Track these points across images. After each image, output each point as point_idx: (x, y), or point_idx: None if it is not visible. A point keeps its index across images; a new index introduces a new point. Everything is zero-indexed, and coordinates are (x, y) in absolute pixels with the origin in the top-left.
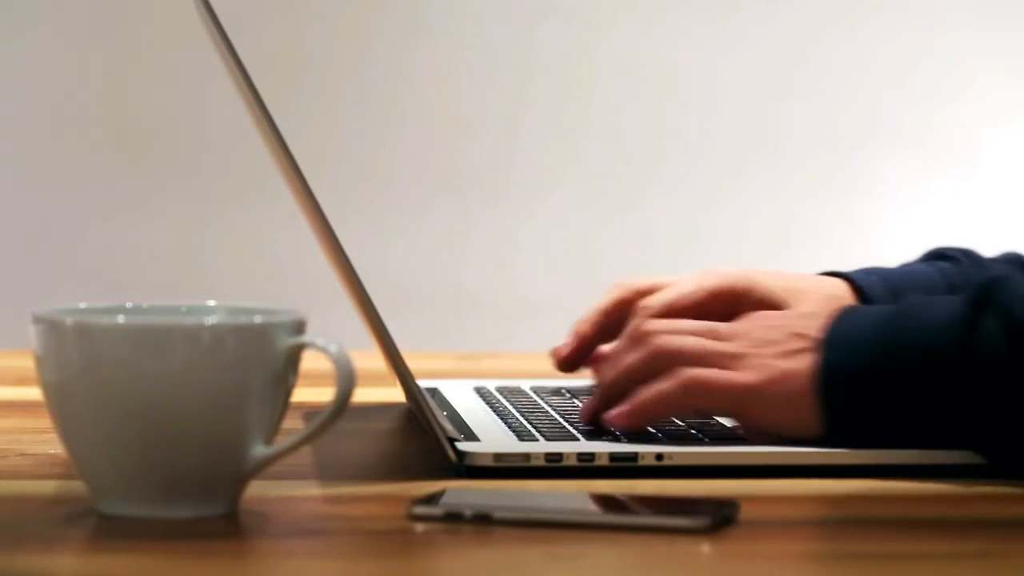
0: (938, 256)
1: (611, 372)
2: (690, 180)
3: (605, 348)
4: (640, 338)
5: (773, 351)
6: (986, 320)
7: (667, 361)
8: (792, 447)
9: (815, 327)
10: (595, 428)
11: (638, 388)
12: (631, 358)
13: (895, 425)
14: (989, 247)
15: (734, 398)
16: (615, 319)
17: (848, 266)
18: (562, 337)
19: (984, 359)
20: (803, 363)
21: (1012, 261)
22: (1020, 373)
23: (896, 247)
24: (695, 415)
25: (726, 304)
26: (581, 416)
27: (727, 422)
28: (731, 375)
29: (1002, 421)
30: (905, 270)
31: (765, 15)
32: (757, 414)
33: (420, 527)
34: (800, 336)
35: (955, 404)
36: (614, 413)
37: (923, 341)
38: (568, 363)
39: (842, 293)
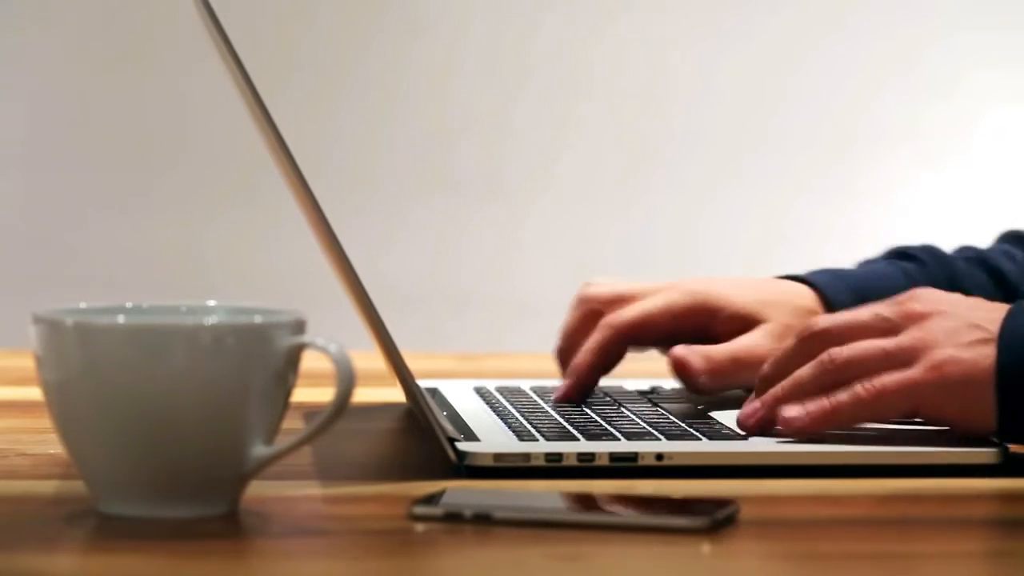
0: (900, 255)
1: (784, 386)
2: (686, 178)
3: None
4: (811, 343)
5: (952, 341)
6: None
7: (842, 374)
8: (792, 447)
9: (992, 319)
10: (757, 433)
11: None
12: (803, 373)
13: None
14: (983, 244)
15: (913, 398)
16: (585, 338)
17: (843, 264)
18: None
19: None
20: (982, 355)
21: (971, 260)
22: None
23: (891, 245)
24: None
25: (695, 323)
26: (744, 420)
27: (730, 423)
28: (907, 376)
29: None
30: (869, 272)
31: (758, 15)
32: (937, 407)
33: (420, 527)
34: (977, 327)
35: None
36: (791, 415)
37: None
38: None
39: (810, 303)
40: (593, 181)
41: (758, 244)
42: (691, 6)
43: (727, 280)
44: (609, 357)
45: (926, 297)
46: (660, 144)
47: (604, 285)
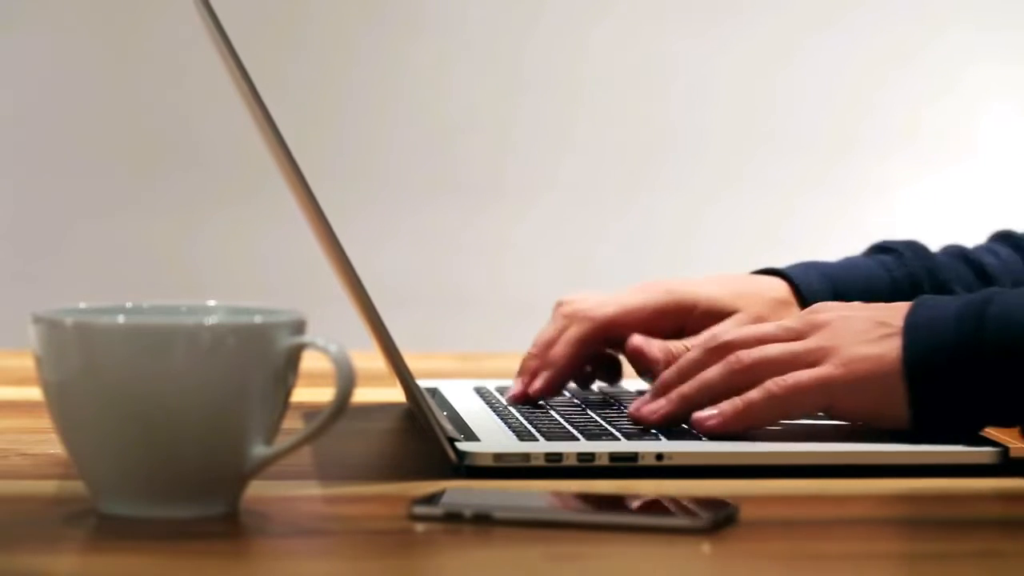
0: (881, 249)
1: (691, 385)
2: (685, 179)
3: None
4: (718, 351)
5: (859, 339)
6: None
7: (751, 375)
8: (792, 447)
9: (894, 315)
10: (646, 428)
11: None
12: (711, 374)
13: (979, 411)
14: (973, 243)
15: (825, 394)
16: None
17: None
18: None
19: None
20: (889, 347)
21: (954, 255)
22: None
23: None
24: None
25: (671, 320)
26: (642, 416)
27: None
28: (818, 372)
29: None
30: (845, 264)
31: (757, 14)
32: (849, 403)
33: (420, 527)
34: (882, 323)
35: None
36: (704, 415)
37: (1007, 328)
38: (523, 402)
39: (784, 295)
40: (593, 182)
41: (758, 245)
42: (690, 6)
43: (702, 278)
44: (587, 348)
45: (827, 306)
46: (659, 146)
47: (581, 295)
